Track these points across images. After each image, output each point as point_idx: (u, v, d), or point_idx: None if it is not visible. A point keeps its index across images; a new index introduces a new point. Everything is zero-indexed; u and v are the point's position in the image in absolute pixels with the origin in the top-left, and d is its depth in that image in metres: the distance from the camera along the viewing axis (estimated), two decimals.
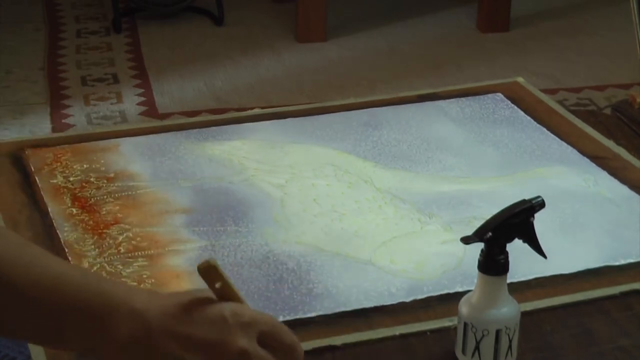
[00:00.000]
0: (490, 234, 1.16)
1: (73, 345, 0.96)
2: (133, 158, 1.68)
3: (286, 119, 1.82)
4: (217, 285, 0.97)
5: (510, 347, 1.19)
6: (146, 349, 0.93)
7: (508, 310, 1.18)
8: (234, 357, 0.94)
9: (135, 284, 1.35)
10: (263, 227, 1.49)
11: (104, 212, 1.52)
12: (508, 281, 1.19)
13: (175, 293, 0.98)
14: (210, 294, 0.97)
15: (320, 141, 1.74)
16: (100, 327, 0.93)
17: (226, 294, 0.98)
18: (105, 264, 1.40)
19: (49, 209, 1.53)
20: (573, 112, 1.86)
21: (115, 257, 1.41)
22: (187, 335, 0.94)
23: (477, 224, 1.19)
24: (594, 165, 1.67)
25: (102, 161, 1.66)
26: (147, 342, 0.93)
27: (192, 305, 0.95)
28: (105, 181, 1.60)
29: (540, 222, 1.21)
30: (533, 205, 1.18)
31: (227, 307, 0.96)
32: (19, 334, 0.96)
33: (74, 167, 1.65)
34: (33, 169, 1.64)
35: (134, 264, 1.40)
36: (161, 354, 0.93)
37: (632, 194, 1.58)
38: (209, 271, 0.97)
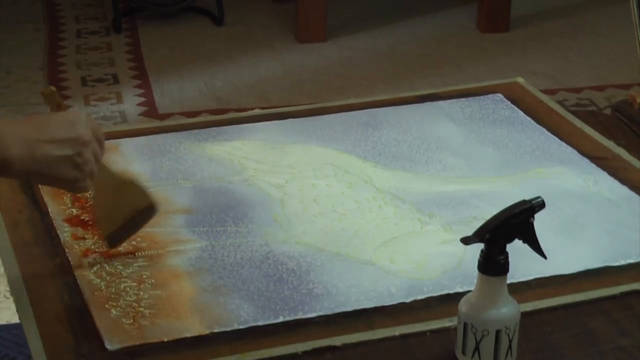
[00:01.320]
0: (490, 234, 1.16)
1: None
2: (133, 158, 1.68)
3: (286, 119, 1.82)
4: (56, 106, 1.34)
5: (510, 347, 1.19)
6: (33, 160, 1.24)
7: (508, 310, 1.18)
8: (86, 143, 1.28)
9: (135, 284, 1.36)
10: (263, 227, 1.49)
11: None
12: (508, 281, 1.19)
13: (36, 117, 1.29)
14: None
15: (321, 141, 1.74)
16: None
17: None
18: (105, 264, 1.40)
19: (49, 209, 1.53)
20: (573, 112, 1.86)
21: (115, 257, 1.41)
22: (55, 138, 1.26)
23: (477, 224, 1.20)
24: (594, 165, 1.67)
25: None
26: (30, 152, 1.23)
27: (50, 118, 1.29)
28: None
29: (540, 222, 1.21)
30: (533, 206, 1.18)
31: (68, 114, 1.30)
32: None
33: None
34: None
35: (134, 264, 1.40)
36: (43, 157, 1.24)
37: (632, 194, 1.58)
38: (50, 96, 1.34)
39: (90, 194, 1.48)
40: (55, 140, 1.25)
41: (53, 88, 1.35)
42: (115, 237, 1.41)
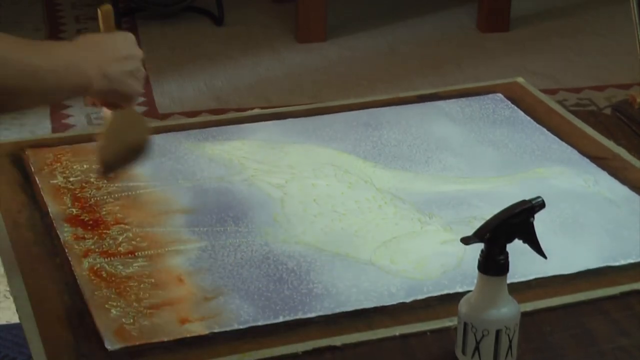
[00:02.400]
0: (490, 234, 1.16)
1: (64, 95, 1.41)
2: None
3: (286, 119, 1.82)
4: (110, 26, 1.41)
5: (510, 347, 1.19)
6: (107, 79, 1.34)
7: (508, 310, 1.18)
8: (141, 59, 1.41)
9: (135, 284, 1.36)
10: (263, 227, 1.49)
11: (104, 213, 1.52)
12: (508, 281, 1.19)
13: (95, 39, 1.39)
14: None
15: (321, 141, 1.74)
16: (83, 75, 1.32)
17: None
18: (105, 264, 1.40)
19: (49, 209, 1.53)
20: (573, 112, 1.86)
21: (115, 257, 1.41)
22: (118, 56, 1.36)
23: (477, 224, 1.20)
24: (594, 165, 1.67)
25: None
26: (103, 72, 1.33)
27: (109, 39, 1.39)
28: (105, 181, 1.60)
29: (540, 222, 1.21)
30: (533, 206, 1.18)
31: (121, 34, 1.41)
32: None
33: (74, 167, 1.65)
34: (33, 169, 1.64)
35: (134, 264, 1.40)
36: (114, 75, 1.35)
37: (632, 194, 1.58)
38: (107, 15, 1.41)
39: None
40: (118, 58, 1.36)
41: (110, 7, 1.43)
42: (111, 167, 1.43)
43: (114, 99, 1.38)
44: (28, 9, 4.54)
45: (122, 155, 1.43)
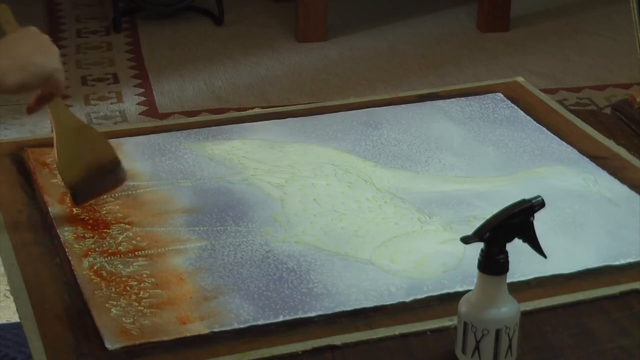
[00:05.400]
0: (490, 233, 1.16)
1: None
2: (133, 158, 1.67)
3: (286, 119, 1.82)
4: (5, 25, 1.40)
5: (510, 346, 1.19)
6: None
7: (508, 310, 1.18)
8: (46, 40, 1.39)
9: (135, 283, 1.36)
10: (263, 227, 1.49)
11: (104, 212, 1.52)
12: (508, 281, 1.19)
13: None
14: None
15: (320, 141, 1.74)
16: None
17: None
18: (105, 264, 1.40)
19: (49, 209, 1.53)
20: (573, 112, 1.86)
21: (115, 256, 1.42)
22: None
23: (477, 223, 1.20)
24: (594, 165, 1.67)
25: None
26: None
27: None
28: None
29: (540, 222, 1.21)
30: (533, 205, 1.18)
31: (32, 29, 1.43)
32: None
33: None
34: (33, 169, 1.64)
35: (134, 264, 1.40)
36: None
37: (632, 193, 1.59)
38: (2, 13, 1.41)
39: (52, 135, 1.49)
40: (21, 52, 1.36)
41: (5, 5, 1.44)
42: (81, 191, 1.39)
43: (34, 86, 1.37)
44: (28, 9, 4.54)
45: (88, 177, 1.38)
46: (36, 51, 1.37)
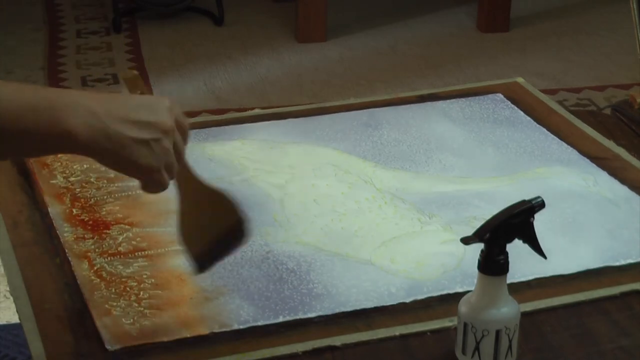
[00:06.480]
0: (490, 234, 1.16)
1: (44, 146, 1.12)
2: None
3: (286, 119, 1.82)
4: (138, 92, 1.21)
5: (510, 347, 1.19)
6: (104, 136, 1.11)
7: (508, 310, 1.18)
8: (168, 132, 1.15)
9: (135, 284, 1.36)
10: (263, 227, 1.49)
11: (104, 213, 1.52)
12: (508, 281, 1.19)
13: (113, 94, 1.18)
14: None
15: (320, 141, 1.74)
16: (59, 120, 1.09)
17: None
18: (105, 264, 1.40)
19: (49, 209, 1.53)
20: (573, 112, 1.86)
21: (115, 257, 1.41)
22: (132, 119, 1.13)
23: (477, 224, 1.20)
24: (594, 165, 1.67)
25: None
26: (101, 126, 1.11)
27: (129, 98, 1.17)
28: (105, 181, 1.60)
29: (540, 222, 1.21)
30: (533, 206, 1.18)
31: (151, 97, 1.20)
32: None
33: (74, 167, 1.64)
34: (33, 169, 1.64)
35: (134, 264, 1.40)
36: (116, 135, 1.11)
37: (632, 194, 1.58)
38: (133, 80, 1.22)
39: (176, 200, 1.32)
40: (131, 120, 1.13)
41: (136, 72, 1.24)
42: (208, 260, 1.26)
43: (119, 167, 1.15)
44: (28, 9, 4.54)
45: (212, 244, 1.24)
46: (143, 138, 1.15)
